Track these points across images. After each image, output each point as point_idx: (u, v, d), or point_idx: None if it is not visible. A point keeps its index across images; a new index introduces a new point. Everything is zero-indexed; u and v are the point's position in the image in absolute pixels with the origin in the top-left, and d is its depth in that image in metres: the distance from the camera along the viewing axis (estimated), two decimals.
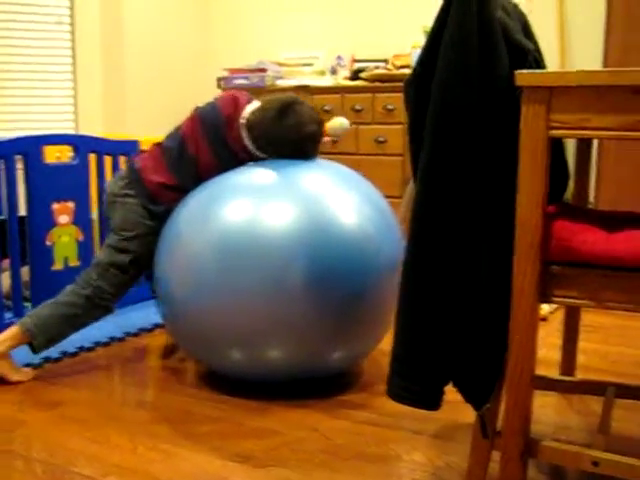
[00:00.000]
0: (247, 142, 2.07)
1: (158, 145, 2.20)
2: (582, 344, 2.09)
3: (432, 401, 1.30)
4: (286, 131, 2.04)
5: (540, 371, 1.96)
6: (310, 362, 1.92)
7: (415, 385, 1.28)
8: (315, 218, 1.85)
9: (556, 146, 1.58)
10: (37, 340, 2.06)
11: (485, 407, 1.32)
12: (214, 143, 2.09)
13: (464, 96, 1.23)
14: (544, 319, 2.72)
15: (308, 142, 2.07)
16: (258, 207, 1.86)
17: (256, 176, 1.96)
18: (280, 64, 4.15)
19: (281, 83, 4.02)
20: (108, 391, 2.04)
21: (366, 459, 1.61)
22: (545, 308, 2.74)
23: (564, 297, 1.25)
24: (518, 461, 1.29)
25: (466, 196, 1.26)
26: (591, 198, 3.37)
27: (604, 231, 1.26)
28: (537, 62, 1.37)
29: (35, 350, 2.08)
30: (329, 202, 1.90)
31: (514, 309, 1.25)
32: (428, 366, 1.28)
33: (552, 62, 3.45)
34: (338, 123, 2.30)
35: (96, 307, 2.12)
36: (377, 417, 1.83)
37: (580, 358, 2.01)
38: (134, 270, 2.15)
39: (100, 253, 2.18)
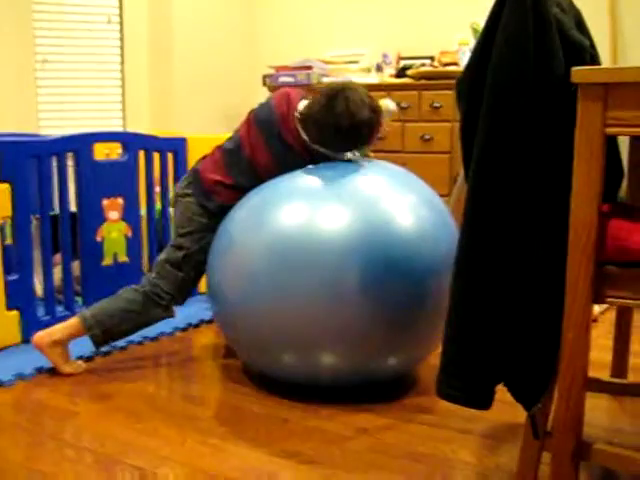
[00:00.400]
0: (302, 135, 2.04)
1: (219, 147, 2.22)
2: (634, 346, 2.05)
3: (483, 400, 1.29)
4: (337, 118, 1.95)
5: (591, 373, 1.91)
6: (364, 367, 1.88)
7: (466, 384, 1.27)
8: (370, 221, 1.82)
9: (610, 144, 1.55)
10: (93, 331, 2.11)
11: (536, 407, 1.30)
12: (269, 140, 2.08)
13: (519, 95, 1.22)
14: (594, 320, 2.67)
15: (361, 129, 1.98)
16: (312, 210, 1.84)
17: (309, 179, 1.94)
18: (326, 62, 4.15)
19: (327, 81, 4.02)
20: (157, 385, 2.08)
21: (414, 458, 1.60)
22: (596, 309, 2.69)
23: (618, 298, 1.23)
24: (569, 463, 1.27)
25: (520, 195, 1.25)
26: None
27: None
28: (593, 58, 1.35)
29: (95, 342, 2.13)
30: (384, 204, 1.86)
31: (567, 309, 1.23)
32: (479, 365, 1.27)
33: (604, 58, 3.39)
34: (384, 106, 2.13)
35: (153, 305, 2.14)
36: (425, 417, 1.82)
37: (632, 360, 1.97)
38: (188, 267, 2.15)
39: (162, 252, 2.23)
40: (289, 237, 1.81)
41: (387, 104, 2.19)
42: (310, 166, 2.02)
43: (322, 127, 1.99)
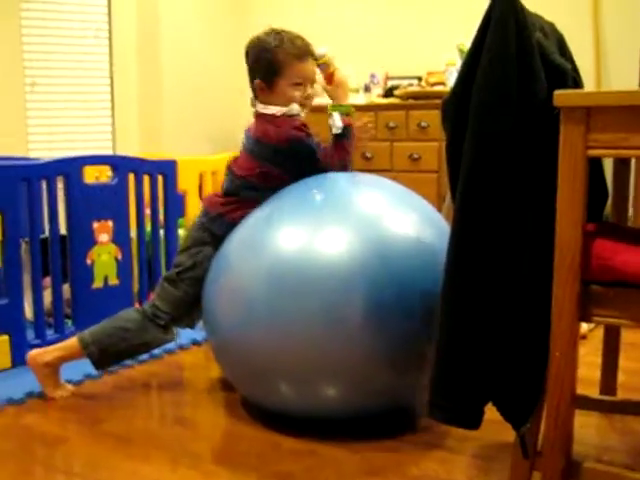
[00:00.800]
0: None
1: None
2: (623, 362, 2.06)
3: (472, 420, 1.30)
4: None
5: (580, 390, 1.92)
6: (366, 400, 1.78)
7: (455, 404, 1.28)
8: (371, 243, 1.73)
9: (594, 165, 1.58)
10: (89, 349, 2.08)
11: (525, 427, 1.31)
12: (246, 148, 2.10)
13: (503, 117, 1.24)
14: (584, 337, 2.68)
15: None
16: (310, 233, 1.77)
17: (306, 199, 1.89)
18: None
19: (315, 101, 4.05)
20: (147, 408, 2.07)
21: (406, 479, 1.60)
22: (584, 326, 2.71)
23: (604, 316, 1.25)
24: None
25: (506, 215, 1.27)
26: (630, 214, 3.33)
27: None
28: (575, 82, 1.38)
29: (93, 362, 2.11)
30: (385, 224, 1.79)
31: (554, 328, 1.25)
32: (468, 385, 1.28)
33: (588, 81, 3.44)
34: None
35: (151, 325, 2.10)
36: (417, 437, 1.82)
37: (621, 377, 1.98)
38: (184, 284, 2.10)
39: None
40: (287, 261, 1.73)
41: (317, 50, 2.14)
42: (306, 184, 1.95)
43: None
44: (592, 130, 1.20)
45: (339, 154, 2.04)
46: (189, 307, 2.13)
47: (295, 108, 2.03)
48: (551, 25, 1.54)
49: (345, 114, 2.07)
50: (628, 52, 3.52)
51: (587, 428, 1.86)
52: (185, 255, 2.13)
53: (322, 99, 2.23)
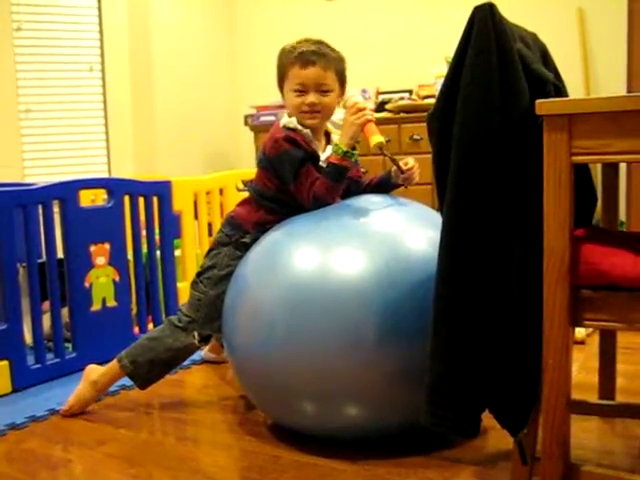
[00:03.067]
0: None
1: None
2: (622, 366, 2.07)
3: (469, 428, 1.31)
4: None
5: (580, 395, 1.95)
6: (386, 419, 1.77)
7: (451, 413, 1.30)
8: (388, 262, 1.72)
9: (582, 170, 1.60)
10: (122, 362, 2.15)
11: (522, 433, 1.32)
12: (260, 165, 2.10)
13: (487, 128, 1.26)
14: (582, 342, 2.69)
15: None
16: (327, 254, 1.76)
17: (322, 220, 1.88)
18: None
19: None
20: (149, 428, 2.08)
21: None
22: (582, 332, 2.72)
23: (595, 320, 1.26)
24: None
25: (494, 226, 1.28)
26: (623, 219, 3.36)
27: (632, 253, 1.27)
28: (558, 90, 1.40)
29: (128, 375, 2.15)
30: (401, 244, 1.77)
31: (546, 334, 1.26)
32: (463, 393, 1.29)
33: (578, 91, 3.47)
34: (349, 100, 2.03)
35: (173, 328, 2.15)
36: (416, 446, 1.82)
37: (620, 381, 1.99)
38: (202, 285, 2.14)
39: None
40: (305, 283, 1.74)
41: (350, 96, 2.06)
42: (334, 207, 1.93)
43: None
44: (575, 137, 1.22)
45: (322, 188, 1.95)
46: (209, 310, 2.13)
47: (292, 121, 2.02)
48: (533, 35, 1.57)
49: (338, 153, 1.95)
50: (614, 60, 3.56)
51: (587, 433, 1.87)
52: (207, 257, 2.19)
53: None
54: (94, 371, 2.21)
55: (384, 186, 2.13)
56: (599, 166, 1.87)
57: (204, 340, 2.19)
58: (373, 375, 1.69)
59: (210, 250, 2.19)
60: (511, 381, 1.29)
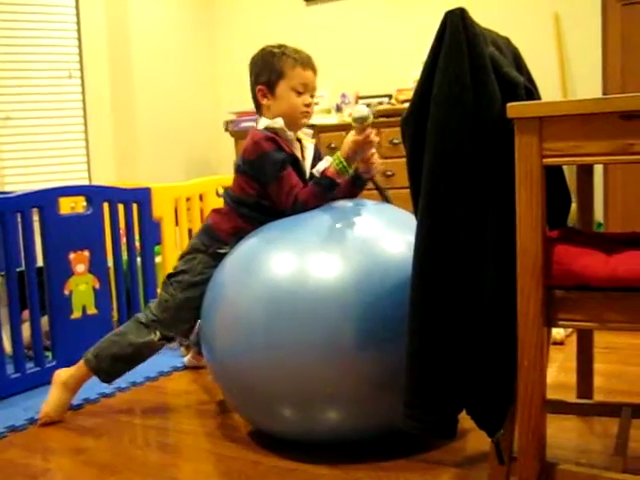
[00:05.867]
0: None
1: None
2: (600, 366, 2.10)
3: (446, 430, 1.32)
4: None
5: (559, 395, 1.97)
6: (366, 423, 1.76)
7: (428, 415, 1.30)
8: (366, 267, 1.72)
9: (555, 172, 1.62)
10: (87, 356, 2.16)
11: (499, 433, 1.33)
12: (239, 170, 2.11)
13: (460, 132, 1.28)
14: (561, 343, 2.72)
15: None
16: (305, 259, 1.76)
17: (301, 226, 1.88)
18: None
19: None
20: (130, 435, 2.07)
21: None
22: (561, 333, 2.74)
23: (569, 320, 1.28)
24: None
25: (468, 229, 1.30)
26: (601, 220, 3.39)
27: (604, 253, 1.29)
28: (530, 94, 1.41)
29: (91, 369, 2.16)
30: (380, 248, 1.77)
31: (520, 334, 1.27)
32: (440, 395, 1.30)
33: (554, 93, 3.50)
34: (355, 112, 1.98)
35: (140, 325, 2.15)
36: (397, 449, 1.83)
37: (598, 380, 2.01)
38: (172, 287, 2.14)
39: None
40: (283, 288, 1.73)
41: (357, 109, 2.01)
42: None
43: None
44: (546, 139, 1.23)
45: (308, 196, 1.97)
46: (175, 313, 2.14)
47: (279, 121, 2.05)
48: (505, 39, 1.59)
49: (338, 168, 1.96)
50: (590, 64, 3.60)
51: (566, 432, 1.89)
52: (181, 260, 2.19)
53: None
54: (62, 373, 2.21)
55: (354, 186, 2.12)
56: (574, 168, 1.89)
57: (166, 340, 2.18)
58: (353, 379, 1.69)
59: (185, 254, 2.19)
60: (487, 382, 1.30)
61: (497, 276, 1.29)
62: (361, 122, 1.95)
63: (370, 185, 2.16)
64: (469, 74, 1.29)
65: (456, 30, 1.31)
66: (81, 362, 2.18)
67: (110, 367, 2.16)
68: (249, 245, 1.93)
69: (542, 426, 1.30)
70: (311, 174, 2.05)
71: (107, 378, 2.19)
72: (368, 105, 2.08)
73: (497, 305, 1.29)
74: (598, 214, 3.43)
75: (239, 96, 4.60)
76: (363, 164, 2.06)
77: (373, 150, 2.06)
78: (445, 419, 1.31)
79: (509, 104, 1.25)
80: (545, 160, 1.23)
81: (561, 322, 1.29)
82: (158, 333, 2.14)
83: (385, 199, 2.08)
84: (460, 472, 1.69)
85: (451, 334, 1.30)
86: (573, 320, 1.28)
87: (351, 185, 2.09)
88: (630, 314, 1.22)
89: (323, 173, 1.98)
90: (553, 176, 1.58)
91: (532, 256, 1.25)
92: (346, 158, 1.97)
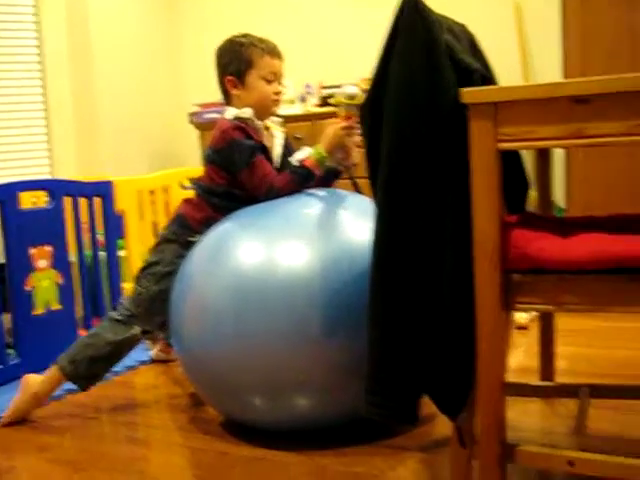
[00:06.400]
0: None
1: None
2: (564, 349, 2.13)
3: (408, 415, 1.33)
4: None
5: (523, 378, 1.99)
6: (337, 410, 1.77)
7: (390, 401, 1.31)
8: (333, 254, 1.73)
9: (513, 157, 1.63)
10: (60, 363, 2.10)
11: (460, 417, 1.34)
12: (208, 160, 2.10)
13: (415, 118, 1.28)
14: (525, 328, 2.75)
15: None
16: (272, 248, 1.76)
17: (268, 214, 1.88)
18: None
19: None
20: (96, 431, 2.05)
21: (352, 478, 1.62)
22: (525, 316, 2.77)
23: (526, 303, 1.29)
24: (496, 467, 1.32)
25: (425, 212, 1.30)
26: (562, 205, 3.43)
27: (560, 237, 1.30)
28: (485, 79, 1.41)
29: (66, 376, 2.11)
30: (346, 235, 1.79)
31: (479, 318, 1.28)
32: (401, 381, 1.31)
33: (516, 80, 3.53)
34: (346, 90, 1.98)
35: (113, 322, 2.13)
36: (364, 435, 1.83)
37: (562, 362, 2.04)
38: (145, 280, 2.13)
39: None
40: (250, 277, 1.73)
41: (346, 88, 2.00)
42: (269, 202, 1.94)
43: None
44: (501, 124, 1.24)
45: (284, 183, 1.97)
46: (150, 305, 2.13)
47: (247, 111, 2.05)
48: (462, 26, 1.59)
49: (317, 159, 1.98)
50: (551, 52, 3.63)
51: (530, 414, 1.92)
52: (151, 252, 2.18)
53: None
54: (33, 381, 2.13)
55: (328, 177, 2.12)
56: (535, 153, 1.91)
57: (145, 333, 2.17)
58: (321, 367, 1.70)
59: (155, 246, 2.18)
60: (447, 366, 1.31)
61: (456, 261, 1.30)
62: (351, 99, 1.96)
63: (345, 175, 2.15)
64: (425, 61, 1.29)
65: (411, 17, 1.31)
66: (53, 370, 2.12)
67: (88, 370, 2.12)
68: (216, 234, 1.92)
69: (502, 409, 1.32)
70: (287, 162, 2.05)
71: (85, 384, 2.14)
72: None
73: (456, 290, 1.30)
74: (561, 199, 3.47)
75: (203, 87, 4.56)
76: (343, 153, 2.05)
77: (358, 139, 2.02)
78: (406, 405, 1.32)
79: (463, 90, 1.25)
80: (500, 145, 1.24)
81: (518, 305, 1.30)
82: (136, 327, 2.13)
83: (356, 189, 2.08)
84: (425, 457, 1.70)
85: (411, 320, 1.30)
86: (530, 303, 1.29)
87: (326, 176, 2.08)
88: (585, 296, 1.24)
89: (302, 163, 1.98)
90: (511, 161, 1.60)
91: (489, 241, 1.26)
92: (329, 150, 1.99)
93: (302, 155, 2.01)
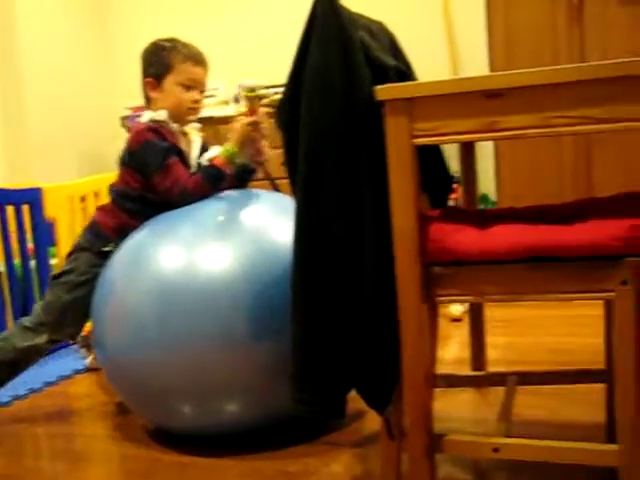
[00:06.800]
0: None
1: None
2: (494, 338, 2.17)
3: (335, 411, 1.34)
4: None
5: (457, 370, 2.03)
6: (266, 412, 1.77)
7: (316, 397, 1.32)
8: (256, 256, 1.72)
9: (433, 152, 1.66)
10: None
11: (388, 410, 1.36)
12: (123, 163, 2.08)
13: (331, 116, 1.29)
14: (459, 320, 2.80)
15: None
16: (194, 251, 1.74)
17: (187, 218, 1.86)
18: None
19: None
20: (28, 444, 2.01)
21: (286, 477, 1.63)
22: (459, 309, 2.82)
23: (447, 295, 1.31)
24: (424, 458, 1.33)
25: (345, 209, 1.31)
26: (493, 198, 3.51)
27: (478, 229, 1.33)
28: (402, 76, 1.43)
29: None
30: (269, 237, 1.78)
31: (401, 312, 1.30)
32: (326, 377, 1.32)
33: (445, 74, 3.59)
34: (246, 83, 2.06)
35: (24, 329, 2.07)
36: (297, 435, 1.84)
37: (493, 353, 2.08)
38: (57, 288, 2.09)
39: None
40: (172, 281, 1.71)
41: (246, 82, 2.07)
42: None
43: None
44: (416, 120, 1.26)
45: (195, 185, 1.95)
46: (61, 315, 2.08)
47: (162, 114, 2.04)
48: (380, 25, 1.61)
49: (227, 157, 1.97)
50: (477, 46, 3.70)
51: (461, 404, 1.96)
52: (66, 260, 2.14)
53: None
54: None
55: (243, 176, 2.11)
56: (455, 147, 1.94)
57: (54, 342, 2.12)
58: (247, 369, 1.69)
59: (70, 254, 2.14)
60: (372, 361, 1.33)
61: (376, 257, 1.31)
62: (251, 92, 2.00)
63: (260, 175, 2.15)
64: (340, 59, 1.30)
65: (325, 15, 1.32)
66: None
67: None
68: (137, 239, 1.89)
69: (429, 400, 1.34)
70: (199, 164, 2.03)
71: None
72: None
73: (378, 285, 1.31)
74: (491, 192, 3.54)
75: (135, 91, 4.51)
76: (253, 149, 2.05)
77: (265, 132, 2.05)
78: (333, 400, 1.33)
79: (378, 87, 1.27)
80: (415, 140, 1.26)
81: (440, 297, 1.32)
82: (45, 336, 2.07)
83: (275, 188, 2.08)
84: (358, 452, 1.72)
85: (334, 317, 1.31)
86: (451, 295, 1.32)
87: (240, 175, 2.07)
88: (502, 285, 1.26)
89: (211, 163, 1.97)
90: (431, 156, 1.63)
91: (408, 235, 1.28)
92: (238, 146, 1.98)
93: (211, 154, 2.01)
